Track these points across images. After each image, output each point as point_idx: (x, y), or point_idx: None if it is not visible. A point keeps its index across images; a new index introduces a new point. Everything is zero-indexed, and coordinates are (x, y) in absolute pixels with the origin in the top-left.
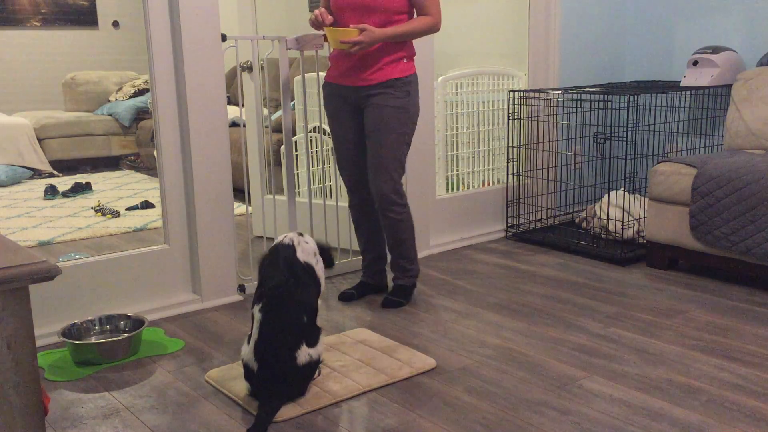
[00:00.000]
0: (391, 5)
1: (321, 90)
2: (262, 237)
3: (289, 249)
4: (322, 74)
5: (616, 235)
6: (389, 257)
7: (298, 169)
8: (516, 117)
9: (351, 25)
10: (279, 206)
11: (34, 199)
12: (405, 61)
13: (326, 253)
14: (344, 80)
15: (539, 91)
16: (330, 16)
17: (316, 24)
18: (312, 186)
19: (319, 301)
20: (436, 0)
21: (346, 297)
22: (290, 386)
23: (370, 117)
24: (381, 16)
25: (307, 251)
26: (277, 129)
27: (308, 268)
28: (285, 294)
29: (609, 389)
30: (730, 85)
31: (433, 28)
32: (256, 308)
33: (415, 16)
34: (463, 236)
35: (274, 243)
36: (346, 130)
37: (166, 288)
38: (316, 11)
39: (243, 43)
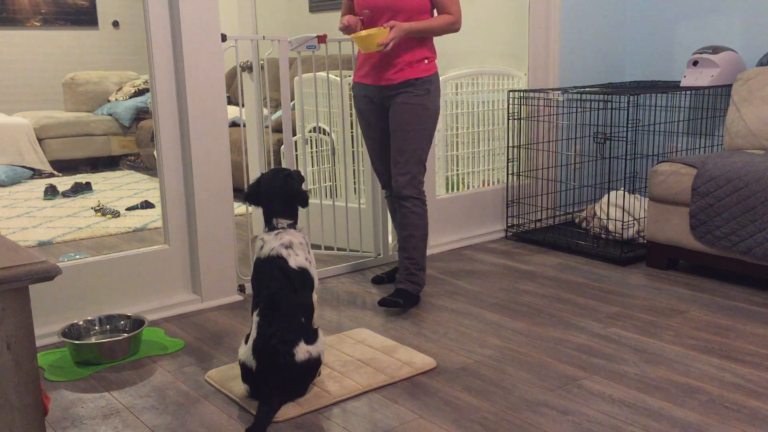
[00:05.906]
0: (414, 4)
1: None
2: None
3: (282, 260)
4: (320, 74)
5: (616, 235)
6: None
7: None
8: (516, 117)
9: (382, 25)
10: None
11: (34, 199)
12: (426, 62)
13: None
14: (369, 80)
15: (539, 91)
16: (358, 21)
17: (347, 30)
18: (312, 186)
19: (315, 296)
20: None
21: (377, 280)
22: (289, 383)
23: (393, 115)
24: (404, 16)
25: (299, 258)
26: (277, 129)
27: (302, 272)
28: (282, 297)
29: (609, 389)
30: (730, 85)
31: (454, 27)
32: (255, 313)
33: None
34: (463, 236)
35: (262, 252)
36: (374, 129)
37: (166, 288)
38: (346, 19)
39: (243, 43)
